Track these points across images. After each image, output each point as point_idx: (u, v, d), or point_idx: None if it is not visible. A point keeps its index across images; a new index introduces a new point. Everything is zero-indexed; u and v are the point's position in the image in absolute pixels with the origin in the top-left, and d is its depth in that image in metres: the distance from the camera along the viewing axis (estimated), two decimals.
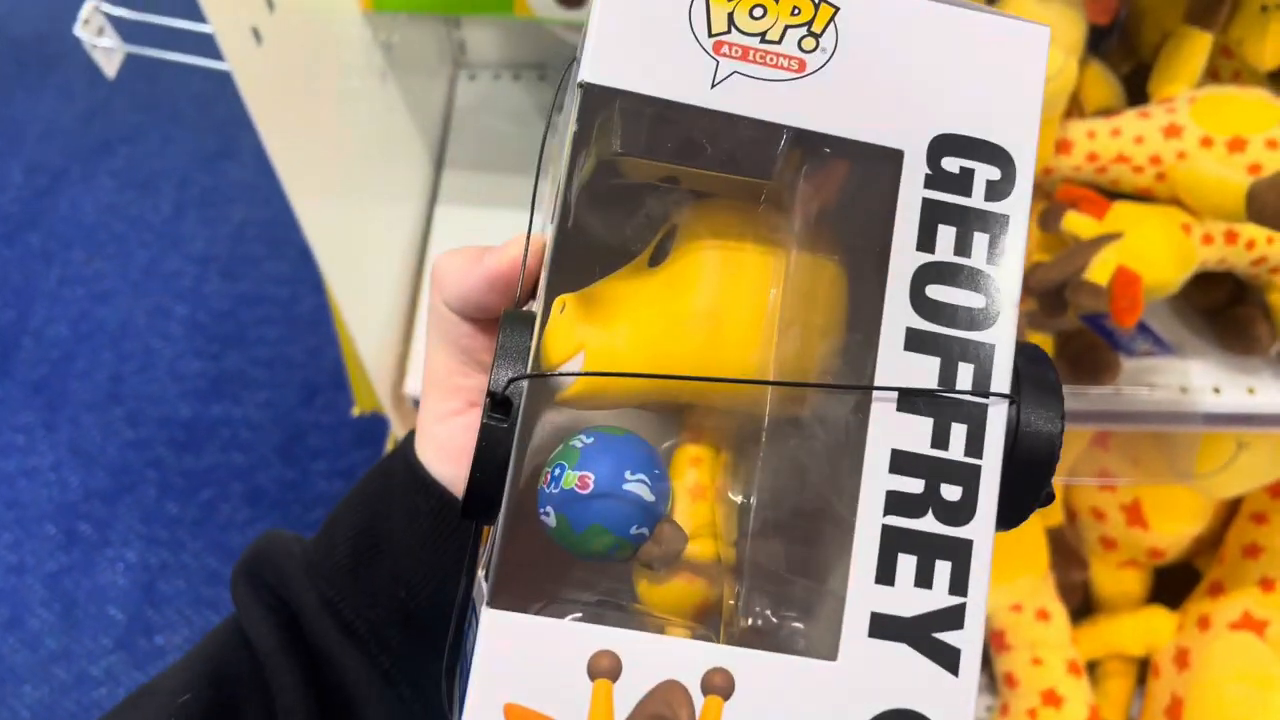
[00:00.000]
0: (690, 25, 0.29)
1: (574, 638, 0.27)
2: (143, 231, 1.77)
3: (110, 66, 0.52)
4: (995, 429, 0.29)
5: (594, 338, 0.30)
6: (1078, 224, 0.66)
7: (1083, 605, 1.19)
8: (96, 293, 1.69)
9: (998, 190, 0.30)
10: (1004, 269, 0.30)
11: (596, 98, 0.29)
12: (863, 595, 0.28)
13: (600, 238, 0.33)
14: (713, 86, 0.29)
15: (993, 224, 0.30)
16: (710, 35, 0.29)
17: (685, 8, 0.29)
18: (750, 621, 0.30)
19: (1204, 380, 0.74)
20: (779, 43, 0.29)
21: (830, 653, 0.28)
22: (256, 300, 1.68)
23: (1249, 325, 0.72)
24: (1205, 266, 0.67)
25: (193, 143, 1.89)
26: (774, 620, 0.30)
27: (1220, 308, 0.75)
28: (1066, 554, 1.10)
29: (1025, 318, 0.74)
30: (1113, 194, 0.68)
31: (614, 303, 0.31)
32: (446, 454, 0.35)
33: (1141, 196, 0.68)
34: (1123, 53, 0.79)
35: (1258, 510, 1.06)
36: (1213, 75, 0.73)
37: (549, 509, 0.29)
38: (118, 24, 0.53)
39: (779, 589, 0.30)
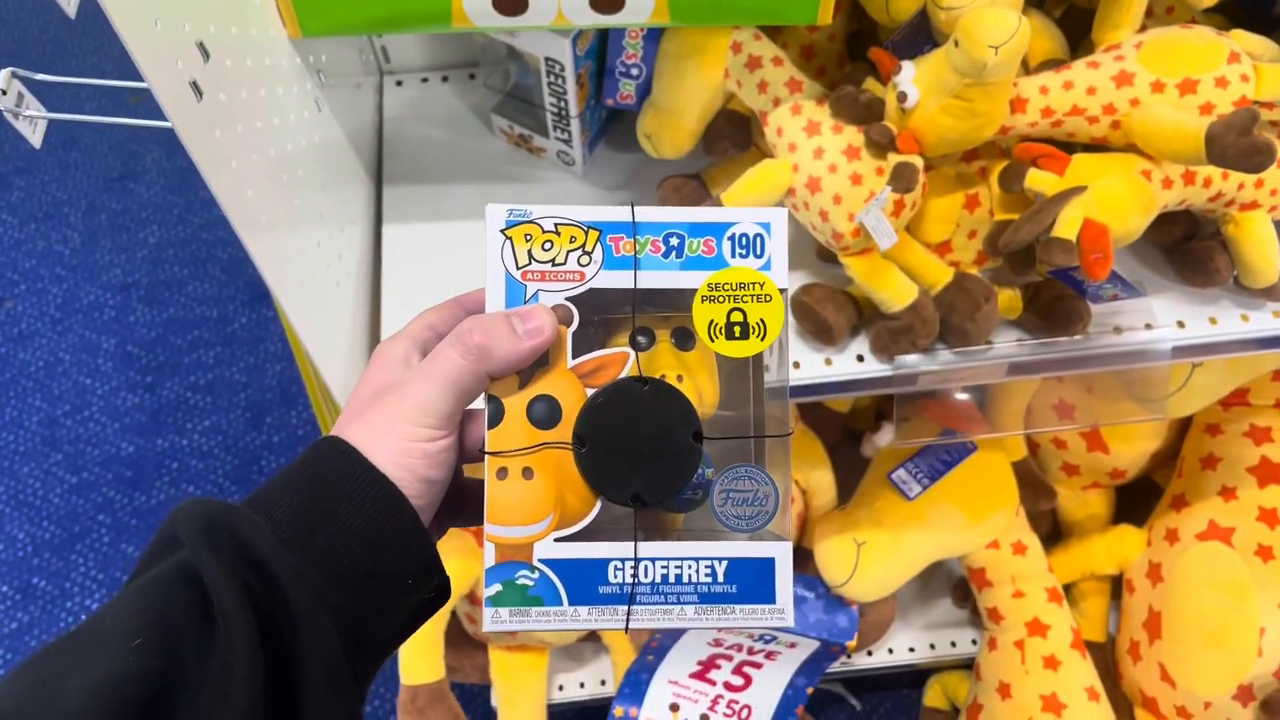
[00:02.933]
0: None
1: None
2: (54, 265, 1.69)
3: (36, 137, 0.49)
4: None
5: None
6: (1040, 181, 0.66)
7: (1052, 531, 1.22)
8: (14, 335, 1.61)
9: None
10: None
11: None
12: None
13: None
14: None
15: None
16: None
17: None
18: None
19: (1168, 316, 0.76)
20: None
21: None
22: (186, 324, 1.62)
23: (1208, 259, 0.74)
24: (1166, 209, 0.68)
25: (93, 166, 1.80)
26: None
27: (1177, 243, 0.76)
28: (1033, 485, 1.13)
29: (991, 274, 0.75)
30: (1069, 146, 0.69)
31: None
32: (435, 464, 0.40)
33: (1098, 146, 0.68)
34: None
35: (1211, 422, 1.10)
36: (1146, 12, 0.74)
37: None
38: (36, 88, 0.49)
39: None
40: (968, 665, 1.19)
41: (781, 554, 0.42)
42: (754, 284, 0.42)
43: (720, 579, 0.42)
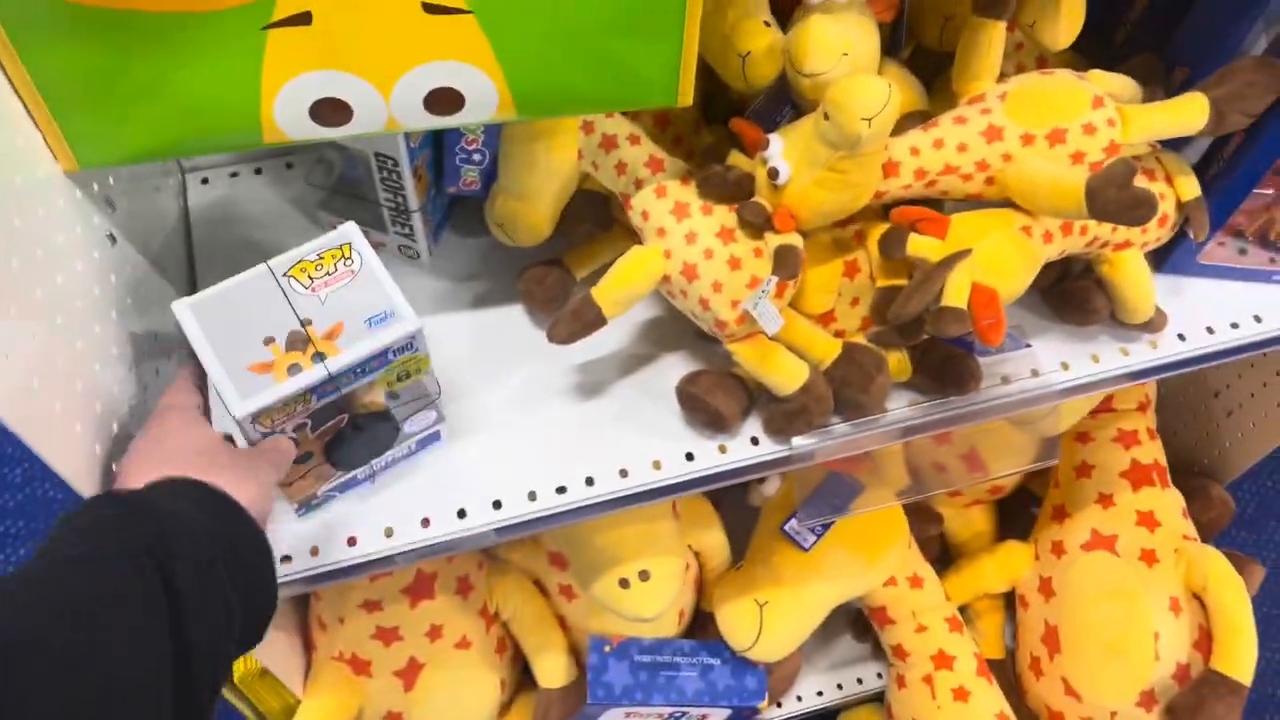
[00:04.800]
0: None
1: None
2: None
3: None
4: None
5: None
6: (923, 247, 0.63)
7: (940, 553, 1.22)
8: None
9: None
10: None
11: None
12: None
13: None
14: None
15: None
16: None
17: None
18: None
19: (1051, 360, 0.74)
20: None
21: None
22: None
23: (1085, 300, 0.73)
24: (1048, 259, 0.66)
25: None
26: None
27: (1052, 284, 0.75)
28: (919, 512, 1.12)
29: (875, 336, 0.71)
30: (939, 203, 0.66)
31: None
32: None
33: (973, 200, 0.66)
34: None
35: (1081, 430, 1.11)
36: None
37: None
38: None
39: None
40: (877, 699, 1.17)
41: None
42: (411, 361, 0.59)
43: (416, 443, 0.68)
